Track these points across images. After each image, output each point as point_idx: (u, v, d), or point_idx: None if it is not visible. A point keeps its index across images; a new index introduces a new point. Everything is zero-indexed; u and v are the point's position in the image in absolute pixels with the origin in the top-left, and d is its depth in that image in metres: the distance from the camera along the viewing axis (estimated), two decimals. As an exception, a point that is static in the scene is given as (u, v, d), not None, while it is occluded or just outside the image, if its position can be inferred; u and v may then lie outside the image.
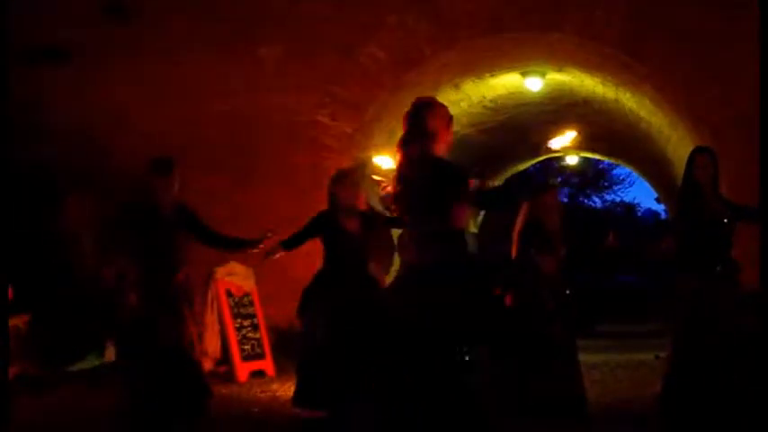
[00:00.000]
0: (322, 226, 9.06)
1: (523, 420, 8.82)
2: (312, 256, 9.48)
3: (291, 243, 9.17)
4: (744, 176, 10.96)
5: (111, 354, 11.41)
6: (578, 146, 21.19)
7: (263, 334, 12.31)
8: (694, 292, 8.59)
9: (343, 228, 8.96)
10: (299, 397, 9.02)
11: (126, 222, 8.79)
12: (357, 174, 9.57)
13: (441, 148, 6.23)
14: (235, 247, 9.38)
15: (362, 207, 9.22)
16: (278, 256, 9.12)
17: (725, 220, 8.70)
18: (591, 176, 40.61)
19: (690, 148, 9.36)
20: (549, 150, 6.17)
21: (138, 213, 8.71)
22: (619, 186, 41.56)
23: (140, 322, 8.50)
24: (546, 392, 8.87)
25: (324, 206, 9.21)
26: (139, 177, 8.87)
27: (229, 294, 12.10)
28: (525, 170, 25.70)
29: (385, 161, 6.36)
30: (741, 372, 8.53)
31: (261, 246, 9.06)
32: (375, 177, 6.55)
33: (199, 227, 8.94)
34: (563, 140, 6.55)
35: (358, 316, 8.62)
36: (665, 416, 8.81)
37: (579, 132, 6.57)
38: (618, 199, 42.62)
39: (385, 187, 6.45)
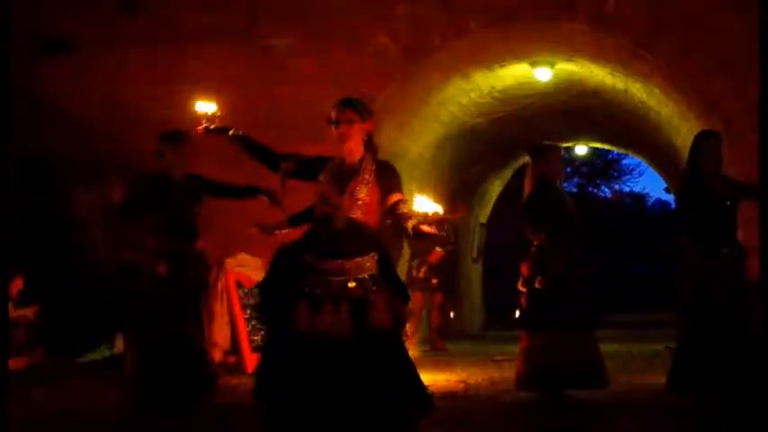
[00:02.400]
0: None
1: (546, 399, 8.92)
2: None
3: (298, 220, 9.19)
4: (756, 166, 10.93)
5: (121, 345, 11.42)
6: (585, 135, 21.21)
7: (272, 325, 12.31)
8: (701, 271, 8.62)
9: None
10: None
11: (140, 193, 8.82)
12: None
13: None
14: (250, 194, 9.36)
15: None
16: (284, 231, 9.14)
17: (727, 203, 8.73)
18: (600, 167, 40.58)
19: (700, 139, 9.34)
20: (420, 219, 5.95)
21: (152, 184, 8.75)
22: (628, 177, 41.54)
23: (158, 290, 8.54)
24: (570, 365, 8.98)
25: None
26: (152, 149, 8.92)
27: (239, 285, 12.10)
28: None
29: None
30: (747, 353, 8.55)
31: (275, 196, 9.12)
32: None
33: (213, 184, 9.07)
34: (429, 205, 6.37)
35: None
36: (673, 392, 8.87)
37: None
38: (627, 189, 42.58)
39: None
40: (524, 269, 9.36)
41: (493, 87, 15.73)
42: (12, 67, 7.65)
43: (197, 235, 8.87)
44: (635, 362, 12.42)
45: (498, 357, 12.76)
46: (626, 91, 15.25)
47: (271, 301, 6.55)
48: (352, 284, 6.29)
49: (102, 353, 12.03)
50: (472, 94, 15.58)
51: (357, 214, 6.41)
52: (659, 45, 12.70)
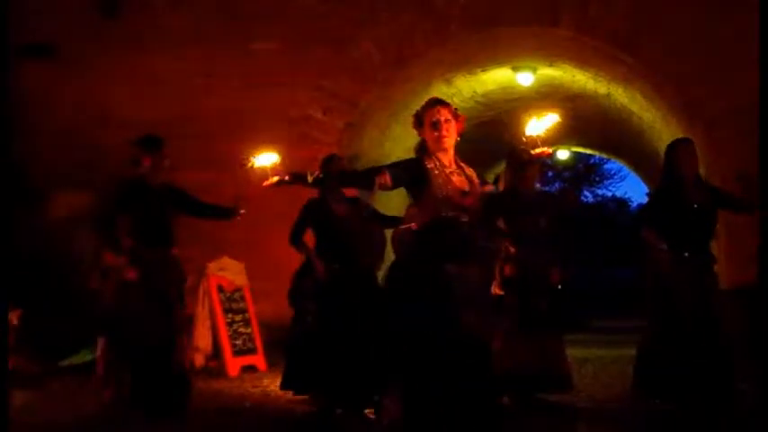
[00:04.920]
0: (312, 212, 9.10)
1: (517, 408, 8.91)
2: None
3: (297, 241, 9.21)
4: (734, 167, 10.98)
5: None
6: (567, 139, 21.23)
7: (254, 329, 12.31)
8: (665, 274, 8.62)
9: (333, 212, 9.01)
10: (286, 381, 9.12)
11: (118, 199, 8.78)
12: (345, 161, 9.62)
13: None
14: (220, 215, 9.33)
15: (351, 195, 9.38)
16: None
17: (695, 206, 8.71)
18: (582, 171, 40.65)
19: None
20: (531, 143, 5.94)
21: (129, 189, 8.72)
22: (610, 181, 41.64)
23: (134, 302, 8.51)
24: (529, 368, 8.96)
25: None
26: (130, 154, 8.88)
27: (221, 289, 12.09)
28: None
29: None
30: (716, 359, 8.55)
31: (240, 212, 9.07)
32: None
33: (190, 200, 9.01)
34: (541, 125, 6.38)
35: (350, 299, 8.78)
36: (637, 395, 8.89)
37: (562, 120, 6.43)
38: (609, 194, 42.68)
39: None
40: (507, 270, 9.38)
41: (475, 92, 15.77)
42: (8, 74, 7.67)
43: (173, 242, 8.84)
44: (615, 366, 12.43)
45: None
46: (608, 95, 15.29)
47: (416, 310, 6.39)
48: (497, 290, 6.34)
49: (83, 357, 11.98)
50: (455, 99, 15.60)
51: (473, 214, 6.40)
52: (642, 50, 12.74)
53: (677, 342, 8.53)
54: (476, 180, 6.50)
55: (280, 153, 7.26)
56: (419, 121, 6.61)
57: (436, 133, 6.48)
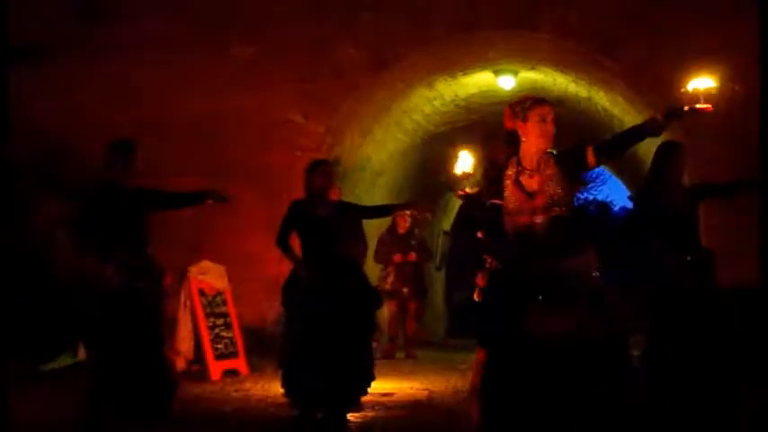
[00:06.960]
0: (297, 214, 9.07)
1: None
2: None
3: (283, 243, 9.18)
4: (715, 173, 11.00)
5: (83, 353, 11.35)
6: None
7: (236, 333, 12.29)
8: (670, 277, 8.61)
9: (316, 214, 8.98)
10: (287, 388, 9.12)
11: (91, 203, 8.75)
12: (332, 165, 9.62)
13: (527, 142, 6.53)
14: (197, 199, 9.29)
15: (335, 198, 9.40)
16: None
17: (681, 208, 8.71)
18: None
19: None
20: (690, 98, 5.75)
21: (100, 193, 8.70)
22: (592, 185, 41.64)
23: (117, 301, 8.48)
24: None
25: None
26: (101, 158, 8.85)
27: (202, 293, 12.06)
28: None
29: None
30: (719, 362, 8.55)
31: (218, 198, 9.05)
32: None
33: (161, 196, 8.97)
34: (704, 83, 6.27)
35: (335, 303, 8.77)
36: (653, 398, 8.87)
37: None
38: (591, 197, 42.68)
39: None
40: (480, 280, 9.33)
41: (456, 96, 15.77)
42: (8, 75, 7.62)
43: (147, 245, 8.81)
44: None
45: (462, 366, 12.75)
46: (589, 99, 15.31)
47: (497, 307, 6.29)
48: (586, 282, 6.13)
49: (64, 361, 11.94)
50: (436, 103, 15.62)
51: (556, 211, 6.28)
52: (622, 53, 12.77)
53: (682, 343, 8.53)
54: (548, 173, 6.44)
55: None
56: (524, 115, 6.53)
57: (546, 127, 6.51)
